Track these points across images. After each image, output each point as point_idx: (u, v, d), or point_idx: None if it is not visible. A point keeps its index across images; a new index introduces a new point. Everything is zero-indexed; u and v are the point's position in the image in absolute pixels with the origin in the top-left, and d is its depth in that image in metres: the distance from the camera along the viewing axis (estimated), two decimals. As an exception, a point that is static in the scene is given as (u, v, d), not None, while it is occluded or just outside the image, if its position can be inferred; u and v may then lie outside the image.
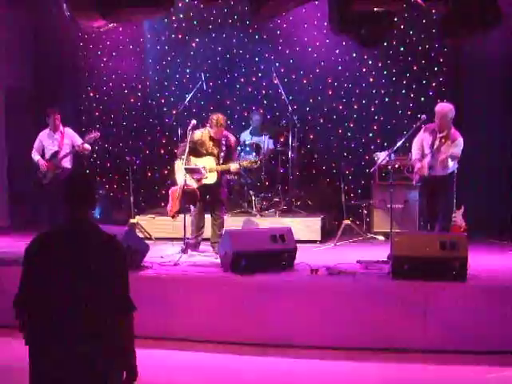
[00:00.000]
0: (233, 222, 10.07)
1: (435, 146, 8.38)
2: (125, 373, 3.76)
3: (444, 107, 8.49)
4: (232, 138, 9.19)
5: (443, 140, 8.38)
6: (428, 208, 8.73)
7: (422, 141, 8.60)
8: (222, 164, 8.97)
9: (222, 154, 8.99)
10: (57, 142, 10.50)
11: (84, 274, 3.65)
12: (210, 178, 8.85)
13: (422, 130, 8.64)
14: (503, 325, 6.92)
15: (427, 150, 8.49)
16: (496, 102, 10.84)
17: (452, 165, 8.43)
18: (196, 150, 9.01)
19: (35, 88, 12.42)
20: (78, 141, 10.53)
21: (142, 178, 12.27)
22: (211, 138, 9.01)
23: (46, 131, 10.59)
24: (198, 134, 9.08)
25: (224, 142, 9.04)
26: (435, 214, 8.74)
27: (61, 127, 10.55)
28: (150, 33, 12.22)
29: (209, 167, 8.86)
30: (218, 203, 9.07)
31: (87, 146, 10.52)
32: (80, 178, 4.02)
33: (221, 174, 8.97)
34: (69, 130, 10.64)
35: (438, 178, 8.48)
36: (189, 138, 8.89)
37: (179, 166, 9.00)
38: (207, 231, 9.27)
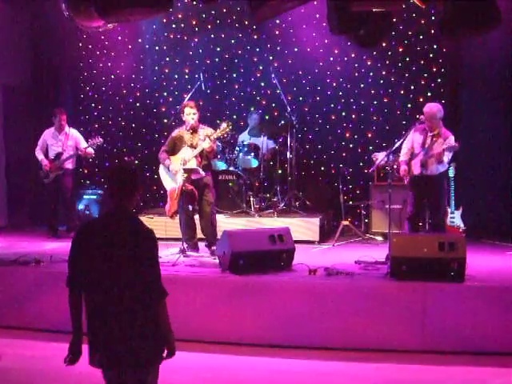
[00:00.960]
0: (232, 223, 10.07)
1: (427, 145, 8.44)
2: (166, 350, 4.16)
3: (432, 107, 8.57)
4: (209, 129, 9.13)
5: (434, 138, 8.46)
6: (416, 207, 8.74)
7: (412, 141, 8.65)
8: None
9: (201, 142, 8.92)
10: (61, 143, 10.52)
11: (120, 259, 4.02)
12: (190, 164, 8.83)
13: (412, 131, 8.69)
14: (501, 326, 6.92)
15: (418, 150, 8.54)
16: (495, 103, 10.84)
17: (446, 160, 8.48)
18: (176, 146, 9.06)
19: (34, 87, 12.43)
20: (83, 144, 10.55)
21: (140, 178, 12.23)
22: (188, 131, 9.03)
23: (51, 130, 10.60)
24: (176, 131, 9.17)
25: (202, 132, 9.01)
26: (421, 212, 8.92)
27: (66, 128, 10.57)
28: (148, 33, 12.22)
29: (186, 157, 8.87)
30: (207, 203, 8.98)
31: (90, 151, 10.55)
32: (125, 170, 4.41)
33: (201, 161, 8.91)
34: (74, 132, 10.65)
35: (429, 177, 8.53)
36: (168, 140, 9.14)
37: (162, 171, 9.11)
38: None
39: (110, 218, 4.18)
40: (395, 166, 9.23)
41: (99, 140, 10.44)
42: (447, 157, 8.42)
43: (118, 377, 4.09)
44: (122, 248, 4.02)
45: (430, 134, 8.52)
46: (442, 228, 8.84)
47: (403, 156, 8.71)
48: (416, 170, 8.54)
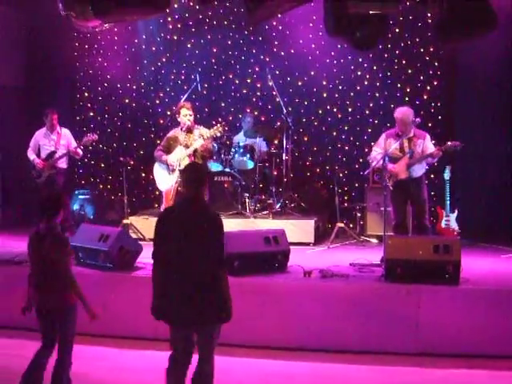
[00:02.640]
0: (227, 224, 10.04)
1: (407, 148, 8.47)
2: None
3: (403, 111, 8.64)
4: (204, 129, 9.13)
5: (414, 140, 8.50)
6: (401, 214, 8.74)
7: (385, 146, 8.62)
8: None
9: (198, 145, 8.93)
10: (53, 142, 10.49)
11: (196, 237, 4.96)
12: (183, 164, 8.81)
13: (382, 137, 8.72)
14: (495, 329, 6.93)
15: (398, 155, 8.54)
16: (491, 105, 10.85)
17: (429, 162, 8.61)
18: (171, 146, 9.09)
19: (29, 87, 12.40)
20: (74, 144, 10.55)
21: (136, 179, 12.26)
22: (184, 132, 9.05)
23: (43, 130, 10.58)
24: (171, 132, 9.24)
25: (197, 133, 9.02)
26: (407, 219, 8.99)
27: (58, 127, 10.55)
28: (145, 33, 12.21)
29: (180, 156, 8.87)
30: None
31: (79, 151, 10.54)
32: (195, 166, 6.06)
33: (194, 160, 8.89)
34: (66, 131, 10.64)
35: (415, 180, 8.54)
36: (164, 140, 9.21)
37: (159, 170, 9.11)
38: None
39: (186, 205, 5.13)
40: (366, 172, 9.22)
41: (94, 137, 10.41)
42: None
43: (186, 331, 5.06)
44: (197, 228, 4.95)
45: (405, 138, 8.53)
46: (427, 230, 8.81)
47: (379, 158, 8.60)
48: (402, 174, 8.51)
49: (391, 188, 8.60)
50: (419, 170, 8.58)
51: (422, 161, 8.52)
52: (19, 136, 11.17)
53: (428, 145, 8.58)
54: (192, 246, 4.95)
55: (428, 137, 8.64)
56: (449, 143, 8.49)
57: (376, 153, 8.71)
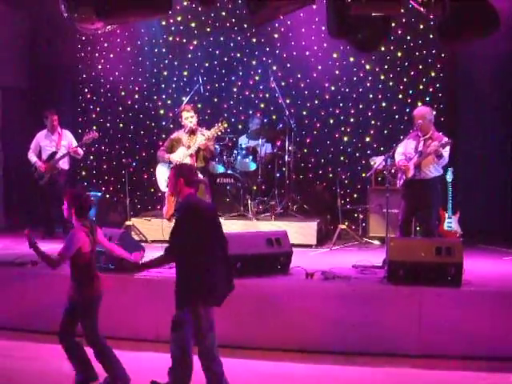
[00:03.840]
0: (229, 226, 10.06)
1: (420, 148, 8.46)
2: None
3: (421, 110, 8.68)
4: (207, 131, 9.14)
5: (429, 141, 8.46)
6: (407, 211, 8.74)
7: (405, 147, 8.64)
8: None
9: (199, 143, 8.95)
10: (54, 143, 10.52)
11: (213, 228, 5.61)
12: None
13: (406, 138, 8.70)
14: (498, 330, 6.92)
15: (412, 154, 8.53)
16: (493, 108, 10.86)
17: (446, 155, 8.44)
18: (173, 147, 9.13)
19: (32, 89, 12.41)
20: (74, 144, 10.56)
21: (139, 181, 12.27)
22: (187, 133, 9.07)
23: (44, 132, 10.61)
24: (175, 134, 9.29)
25: (199, 134, 9.03)
26: (413, 218, 8.93)
27: (58, 128, 10.57)
28: (147, 35, 12.22)
29: (182, 155, 8.90)
30: None
31: (80, 151, 10.55)
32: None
33: (196, 161, 8.92)
34: (67, 132, 10.65)
35: (422, 181, 8.52)
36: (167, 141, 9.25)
37: (161, 171, 9.11)
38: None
39: (203, 203, 5.84)
40: (393, 171, 9.22)
41: (94, 134, 10.42)
42: (446, 152, 8.41)
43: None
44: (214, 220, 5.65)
45: (422, 138, 8.54)
46: (431, 235, 8.79)
47: (399, 157, 8.68)
48: (409, 172, 8.52)
49: (401, 187, 8.69)
50: (430, 171, 8.50)
51: (426, 160, 8.44)
52: (23, 138, 11.18)
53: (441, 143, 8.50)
54: (214, 236, 5.56)
55: (444, 138, 8.47)
56: (438, 143, 8.39)
57: (397, 153, 8.71)
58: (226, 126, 9.20)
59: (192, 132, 9.03)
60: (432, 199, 8.64)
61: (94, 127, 12.06)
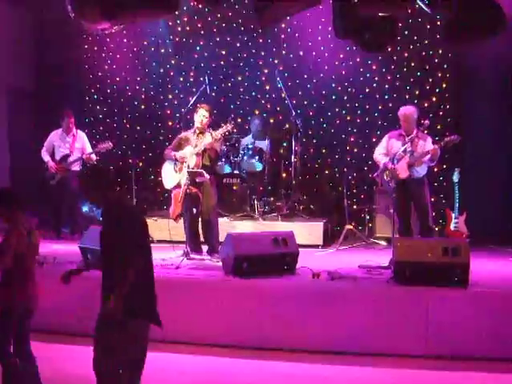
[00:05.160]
0: (235, 226, 10.07)
1: (409, 148, 8.48)
2: None
3: (407, 110, 8.73)
4: (214, 132, 9.12)
5: (416, 140, 8.54)
6: (405, 212, 8.75)
7: (388, 147, 8.68)
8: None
9: (206, 142, 8.95)
10: (68, 145, 10.53)
11: None
12: (190, 162, 8.84)
13: (385, 138, 8.75)
14: (504, 331, 6.90)
15: (399, 155, 8.55)
16: (499, 108, 10.83)
17: (429, 164, 8.64)
18: (180, 146, 9.10)
19: (39, 89, 12.44)
20: (88, 148, 10.56)
21: (145, 181, 12.28)
22: (195, 133, 9.06)
23: (59, 132, 10.61)
24: (183, 133, 9.26)
25: (207, 134, 9.02)
26: (410, 217, 8.94)
27: (74, 130, 10.57)
28: (154, 35, 12.23)
29: (188, 153, 8.89)
30: (209, 207, 8.99)
31: (93, 157, 10.55)
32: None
33: (201, 160, 8.90)
34: (82, 134, 10.66)
35: (416, 180, 8.58)
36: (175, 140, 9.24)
37: (167, 168, 9.10)
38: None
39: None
40: (375, 174, 9.20)
41: (109, 144, 10.40)
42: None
43: None
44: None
45: (408, 138, 8.55)
46: (432, 231, 8.82)
47: (382, 159, 8.70)
48: (402, 174, 8.53)
49: (393, 188, 8.62)
50: (421, 170, 8.63)
51: (421, 159, 8.51)
52: (30, 138, 11.21)
53: (428, 146, 8.58)
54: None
55: (429, 139, 8.67)
56: (446, 138, 8.47)
57: (378, 153, 8.75)
58: (233, 126, 9.20)
59: (201, 132, 9.02)
60: (427, 196, 8.75)
61: (101, 127, 12.13)
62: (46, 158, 10.56)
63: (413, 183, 8.60)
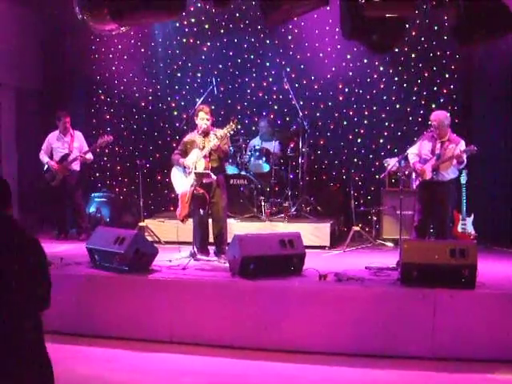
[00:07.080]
0: (242, 227, 10.07)
1: (438, 150, 8.51)
2: None
3: (439, 115, 8.66)
4: (220, 130, 9.08)
5: (446, 143, 8.55)
6: (423, 213, 8.74)
7: (420, 148, 8.70)
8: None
9: (212, 144, 8.91)
10: (67, 145, 10.56)
11: None
12: (199, 165, 8.83)
13: (420, 139, 8.71)
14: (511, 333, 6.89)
15: (428, 156, 8.59)
16: (507, 110, 10.80)
17: (458, 167, 8.61)
18: (187, 150, 9.05)
19: (46, 90, 12.47)
20: (85, 148, 10.60)
21: (152, 182, 12.29)
22: (200, 135, 9.02)
23: (56, 133, 10.65)
24: (188, 136, 9.18)
25: (212, 135, 8.99)
26: (429, 220, 8.88)
27: (71, 130, 10.61)
28: (161, 37, 12.25)
29: (196, 157, 8.85)
30: (218, 208, 8.98)
31: (89, 156, 10.59)
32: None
33: (209, 161, 8.85)
34: (79, 134, 10.70)
35: (439, 183, 8.56)
36: (181, 144, 9.19)
37: (176, 174, 9.07)
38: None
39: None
40: (407, 172, 9.24)
41: (109, 138, 10.46)
42: (464, 159, 8.49)
43: None
44: None
45: (439, 141, 8.57)
46: (447, 237, 8.80)
47: (413, 159, 8.76)
48: (427, 175, 8.56)
49: (416, 188, 8.73)
50: (448, 173, 8.58)
51: (446, 163, 8.48)
52: (38, 139, 11.22)
53: (458, 150, 8.52)
54: None
55: (462, 143, 8.59)
56: (463, 148, 8.49)
57: (410, 152, 8.77)
58: (237, 124, 9.19)
59: (205, 133, 9.01)
60: (448, 200, 8.70)
61: (108, 128, 12.13)
62: (46, 159, 10.59)
63: (437, 186, 8.59)
